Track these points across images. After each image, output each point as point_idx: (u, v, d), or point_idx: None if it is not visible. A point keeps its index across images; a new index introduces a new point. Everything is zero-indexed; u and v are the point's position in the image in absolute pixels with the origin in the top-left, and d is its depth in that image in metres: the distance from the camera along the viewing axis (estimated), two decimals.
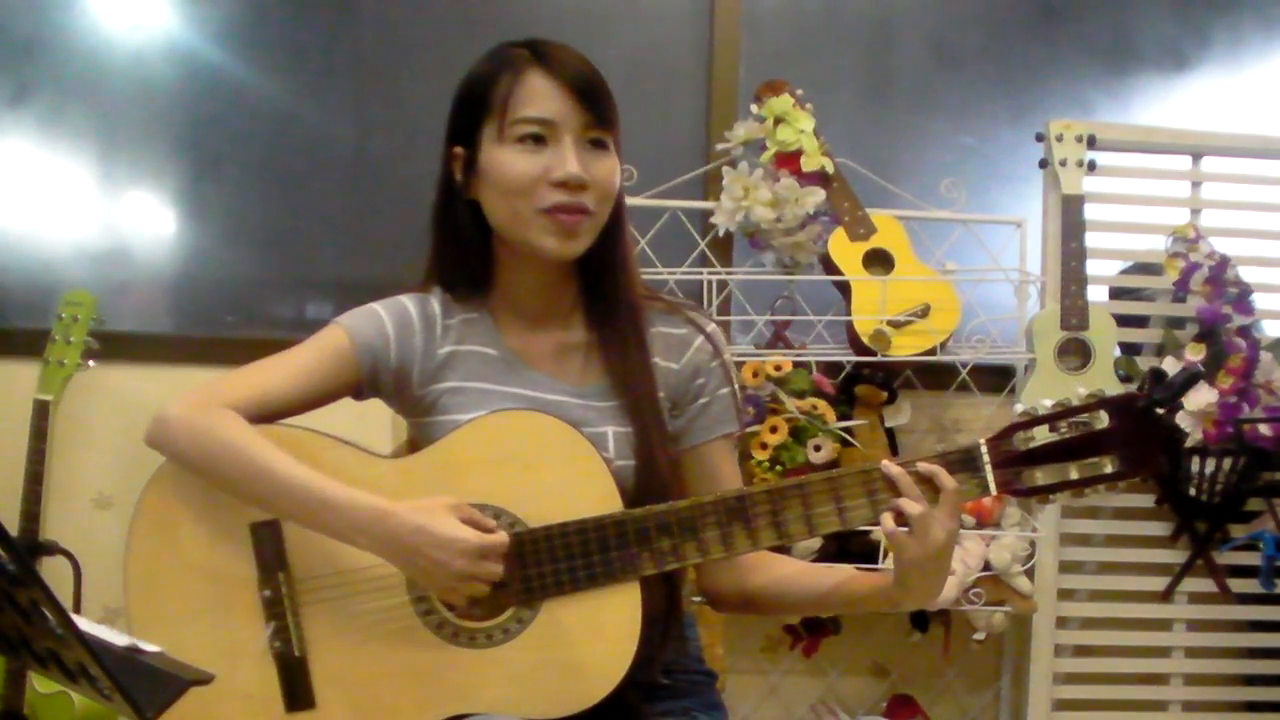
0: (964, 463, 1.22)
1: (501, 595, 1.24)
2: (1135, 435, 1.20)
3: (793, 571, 1.39)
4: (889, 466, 1.21)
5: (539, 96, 1.26)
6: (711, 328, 1.40)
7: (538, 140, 1.26)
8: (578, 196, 1.26)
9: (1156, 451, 1.20)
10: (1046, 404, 1.22)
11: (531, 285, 1.35)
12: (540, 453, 1.24)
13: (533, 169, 1.26)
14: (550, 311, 1.36)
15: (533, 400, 1.31)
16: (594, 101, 1.27)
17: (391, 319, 1.34)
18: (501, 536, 1.19)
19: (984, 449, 1.22)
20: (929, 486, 1.20)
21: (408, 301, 1.36)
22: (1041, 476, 1.22)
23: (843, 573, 1.37)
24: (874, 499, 1.22)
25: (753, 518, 1.22)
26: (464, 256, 1.35)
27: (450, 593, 1.20)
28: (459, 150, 1.32)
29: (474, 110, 1.29)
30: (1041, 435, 1.21)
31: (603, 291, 1.35)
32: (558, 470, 1.24)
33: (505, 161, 1.27)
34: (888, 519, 1.20)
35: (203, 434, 1.24)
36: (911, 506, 1.19)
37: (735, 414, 1.40)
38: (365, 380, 1.33)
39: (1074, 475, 1.21)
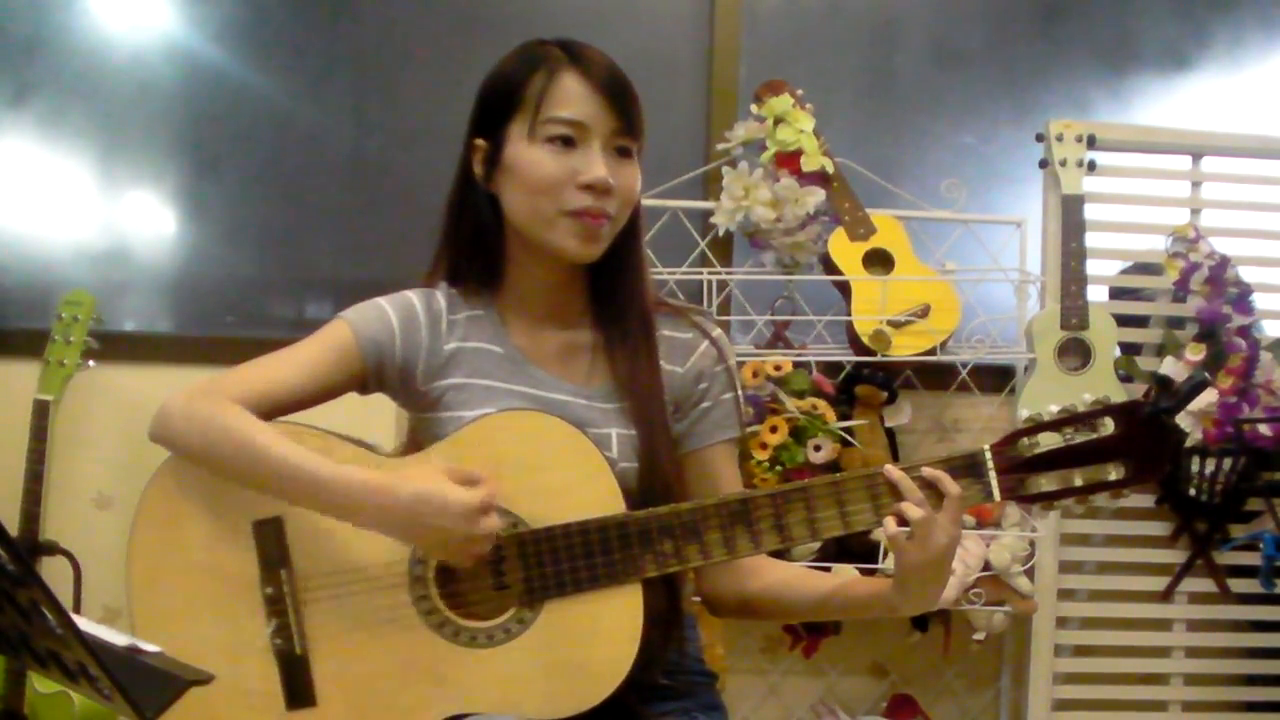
0: (968, 468, 1.21)
1: (503, 595, 1.24)
2: (1141, 442, 1.19)
3: (791, 576, 1.38)
4: (892, 470, 1.21)
5: (573, 98, 1.26)
6: (717, 333, 1.40)
7: (567, 142, 1.26)
8: (602, 201, 1.26)
9: (1163, 459, 1.20)
10: (1052, 409, 1.22)
11: (542, 284, 1.35)
12: (544, 453, 1.24)
13: (561, 170, 1.26)
14: (558, 311, 1.36)
15: (537, 399, 1.31)
16: (625, 108, 1.28)
17: (397, 314, 1.33)
18: (490, 486, 1.19)
19: (988, 455, 1.21)
20: (932, 491, 1.20)
21: (413, 296, 1.36)
22: (1045, 483, 1.21)
23: (841, 577, 1.37)
24: (877, 503, 1.22)
25: (755, 520, 1.22)
26: (477, 250, 1.35)
27: (456, 555, 1.20)
28: (481, 143, 1.32)
29: (503, 104, 1.29)
30: (1046, 441, 1.21)
31: (614, 295, 1.35)
32: (561, 471, 1.24)
33: (534, 160, 1.27)
34: (890, 522, 1.20)
35: (203, 421, 1.24)
36: (913, 510, 1.19)
37: (738, 419, 1.40)
38: (370, 375, 1.33)
39: (1078, 482, 1.21)
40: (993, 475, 1.21)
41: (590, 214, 1.26)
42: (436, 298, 1.36)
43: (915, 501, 1.19)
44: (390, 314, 1.33)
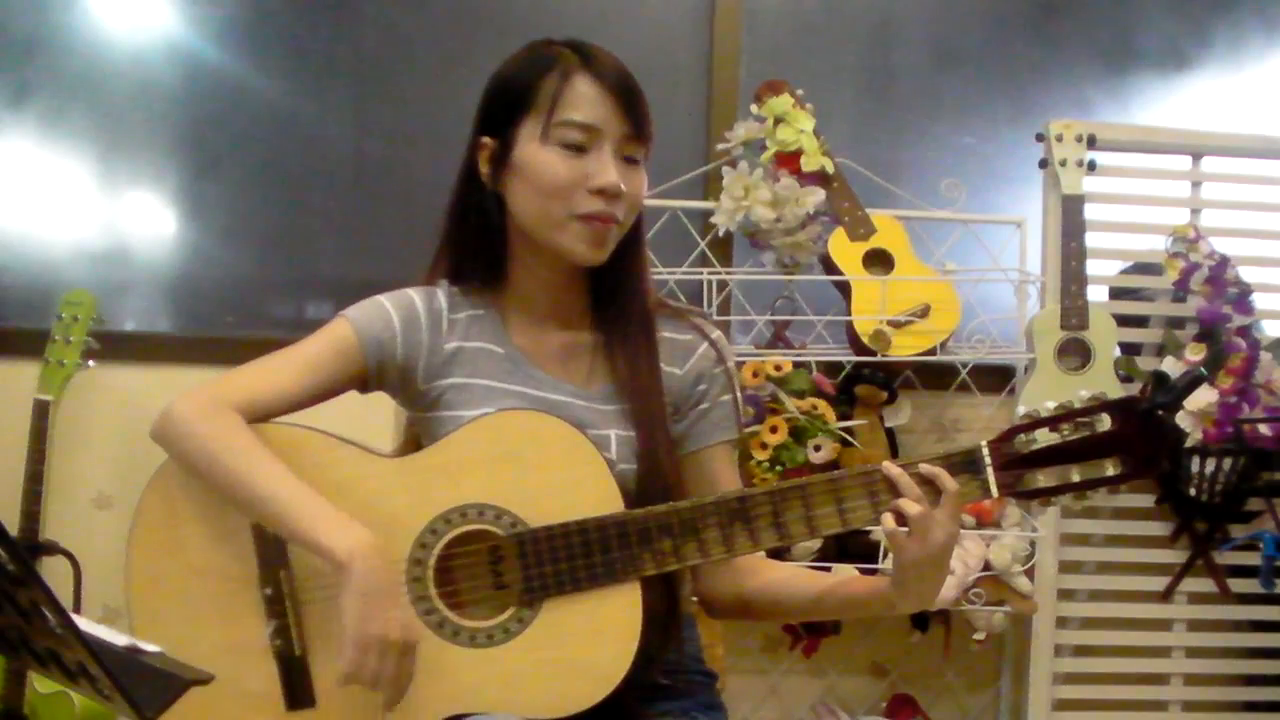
0: (966, 464, 1.22)
1: (502, 595, 1.24)
2: (1137, 438, 1.20)
3: (789, 575, 1.39)
4: (890, 467, 1.21)
5: (586, 101, 1.26)
6: (716, 334, 1.40)
7: (578, 145, 1.26)
8: (612, 206, 1.26)
9: (1159, 454, 1.20)
10: (1049, 406, 1.22)
11: (544, 284, 1.35)
12: (542, 453, 1.24)
13: (572, 173, 1.26)
14: (560, 312, 1.36)
15: (536, 399, 1.31)
16: (636, 112, 1.28)
17: (399, 312, 1.33)
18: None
19: (986, 451, 1.22)
20: (930, 488, 1.20)
21: (414, 294, 1.36)
22: (1043, 479, 1.22)
23: (839, 575, 1.37)
24: (875, 500, 1.22)
25: (754, 518, 1.22)
26: (480, 249, 1.35)
27: (355, 661, 1.16)
28: (488, 141, 1.32)
29: (513, 105, 1.29)
30: (1043, 437, 1.21)
31: (615, 296, 1.35)
32: (559, 471, 1.24)
33: (545, 162, 1.26)
34: (888, 519, 1.20)
35: (205, 439, 1.24)
36: (911, 507, 1.19)
37: (736, 421, 1.40)
38: (371, 374, 1.33)
39: (1076, 478, 1.21)
40: (990, 471, 1.21)
41: (600, 218, 1.26)
42: (438, 296, 1.36)
43: (913, 498, 1.19)
44: (392, 312, 1.33)
